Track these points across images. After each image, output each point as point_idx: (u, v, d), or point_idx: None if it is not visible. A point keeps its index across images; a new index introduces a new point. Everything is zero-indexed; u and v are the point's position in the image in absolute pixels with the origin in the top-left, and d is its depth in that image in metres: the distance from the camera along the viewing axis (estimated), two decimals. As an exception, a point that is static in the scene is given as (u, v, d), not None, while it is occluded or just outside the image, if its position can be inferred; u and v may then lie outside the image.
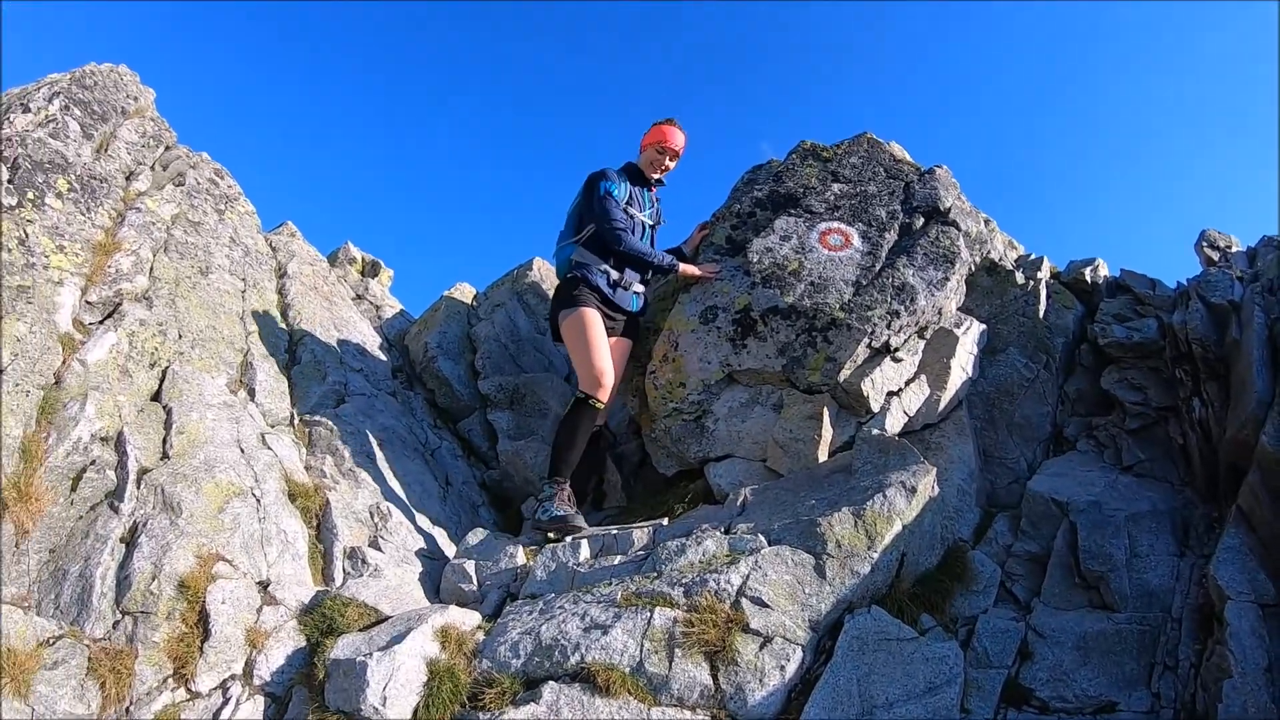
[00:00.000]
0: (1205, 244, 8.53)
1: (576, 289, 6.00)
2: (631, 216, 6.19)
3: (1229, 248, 8.43)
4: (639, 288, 6.31)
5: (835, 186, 6.99)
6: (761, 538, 4.70)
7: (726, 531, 4.92)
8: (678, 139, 6.39)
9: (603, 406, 5.79)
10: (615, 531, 5.26)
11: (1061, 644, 4.77)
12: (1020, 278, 7.28)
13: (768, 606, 4.21)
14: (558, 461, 5.70)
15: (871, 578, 4.49)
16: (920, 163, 7.37)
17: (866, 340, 5.77)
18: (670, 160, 6.42)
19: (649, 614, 4.18)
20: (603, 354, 5.79)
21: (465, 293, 9.45)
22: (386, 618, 4.39)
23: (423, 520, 5.78)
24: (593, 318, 5.88)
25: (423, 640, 4.09)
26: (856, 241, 6.43)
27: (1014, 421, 6.68)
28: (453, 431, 7.69)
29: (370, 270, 10.57)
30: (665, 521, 5.39)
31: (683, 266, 6.40)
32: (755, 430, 5.99)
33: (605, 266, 6.09)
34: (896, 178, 7.09)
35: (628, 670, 3.93)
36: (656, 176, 6.46)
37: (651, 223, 6.43)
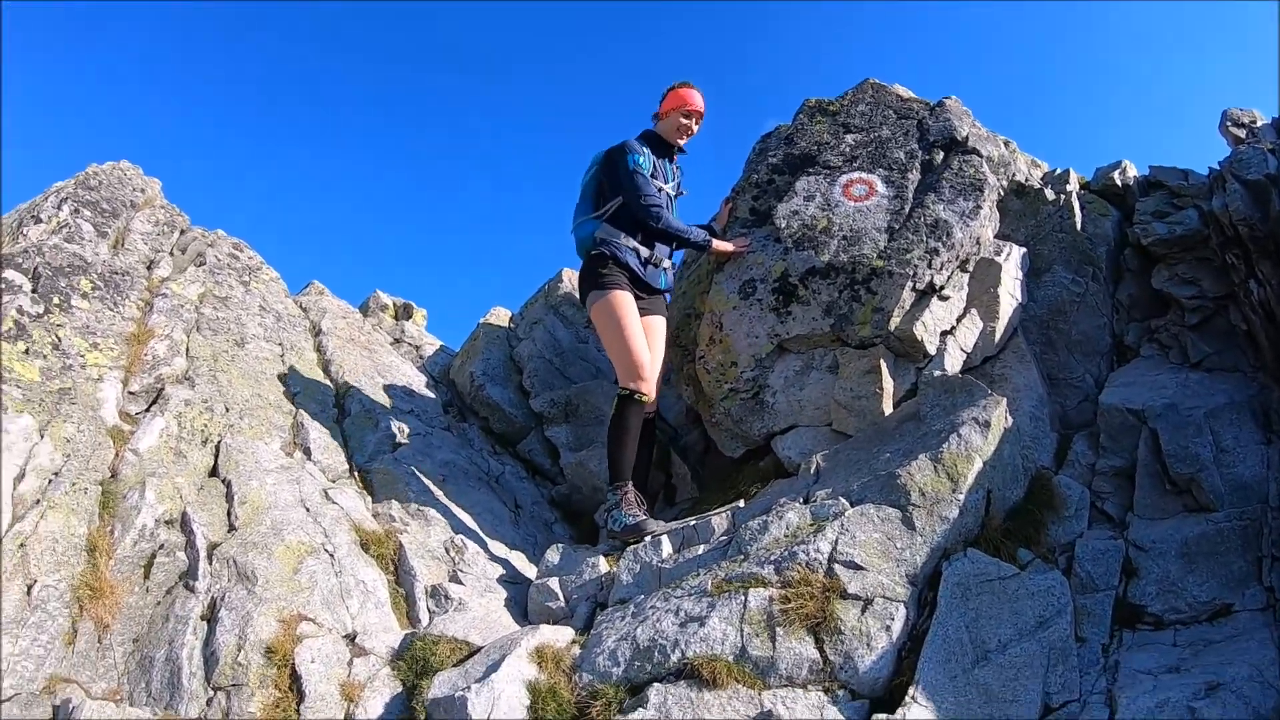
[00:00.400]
0: (1230, 123, 8.33)
1: (605, 267, 5.74)
2: (660, 190, 5.95)
3: (1254, 123, 8.24)
4: (668, 264, 6.13)
5: (848, 138, 6.87)
6: (843, 500, 4.60)
7: (806, 501, 4.82)
8: (698, 99, 6.14)
9: (649, 399, 5.55)
10: (694, 522, 5.16)
11: (1165, 554, 4.65)
12: (1050, 194, 7.14)
13: (862, 569, 4.11)
14: (615, 465, 5.53)
15: (962, 520, 4.38)
16: (929, 98, 7.24)
17: (910, 283, 5.66)
18: (695, 123, 6.19)
19: (743, 597, 4.09)
20: (639, 342, 5.55)
21: (501, 316, 9.44)
22: (479, 649, 4.31)
23: (498, 547, 5.72)
24: (625, 301, 5.64)
25: (519, 664, 4.01)
26: (881, 188, 6.32)
27: (1072, 339, 6.54)
28: (513, 455, 7.67)
29: (404, 313, 10.57)
30: (742, 504, 5.28)
31: (715, 243, 6.23)
32: (815, 396, 5.89)
33: (634, 243, 5.86)
34: (908, 117, 6.97)
35: (731, 658, 3.85)
36: (682, 142, 6.23)
37: (674, 194, 6.23)
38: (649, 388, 5.55)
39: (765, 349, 5.99)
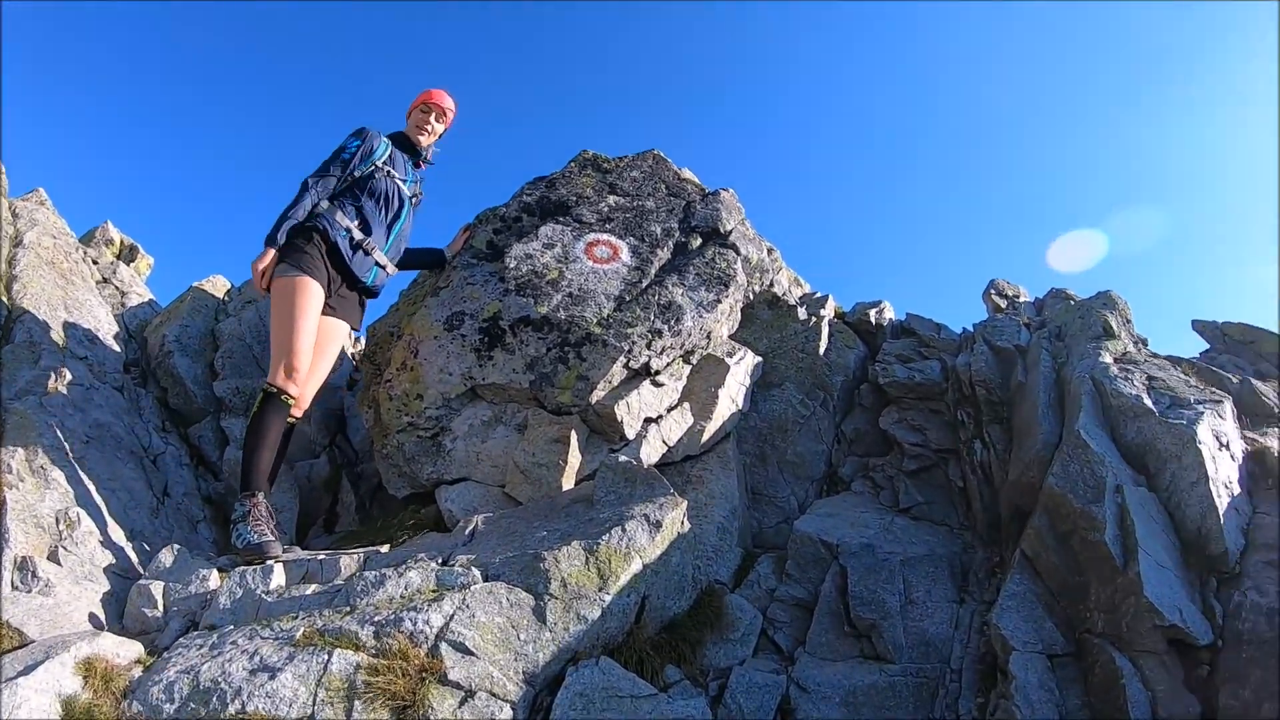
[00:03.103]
0: (994, 292, 8.64)
1: (309, 245, 5.12)
2: (390, 175, 5.49)
3: (1017, 297, 8.59)
4: (383, 259, 5.51)
5: (611, 198, 6.53)
6: (476, 571, 4.07)
7: (445, 563, 4.27)
8: (445, 98, 5.83)
9: (293, 402, 4.88)
10: (322, 557, 4.52)
11: (828, 699, 4.39)
12: (803, 313, 7.06)
13: (473, 654, 3.57)
14: (247, 471, 4.81)
15: (603, 623, 3.94)
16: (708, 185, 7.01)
17: (624, 359, 5.28)
18: (437, 120, 5.80)
19: (327, 656, 3.48)
20: (306, 340, 4.91)
21: (218, 286, 8.56)
22: (30, 642, 3.61)
23: (121, 533, 4.92)
24: (311, 292, 5.00)
25: (59, 674, 3.32)
26: (625, 255, 5.96)
27: (787, 459, 6.36)
28: (183, 437, 6.83)
29: (128, 255, 9.56)
30: (386, 549, 4.72)
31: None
32: (496, 452, 5.41)
33: (350, 224, 5.29)
34: (678, 195, 6.70)
35: (294, 725, 3.23)
36: (425, 141, 5.81)
37: (410, 194, 5.73)
38: (297, 390, 4.86)
39: (457, 390, 5.48)
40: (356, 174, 5.39)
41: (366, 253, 5.35)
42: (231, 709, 3.26)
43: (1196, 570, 4.52)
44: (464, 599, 3.82)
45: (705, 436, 5.79)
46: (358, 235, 5.28)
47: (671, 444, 5.64)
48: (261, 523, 4.64)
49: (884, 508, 6.16)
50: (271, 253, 5.04)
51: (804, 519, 5.79)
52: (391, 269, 5.62)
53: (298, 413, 5.02)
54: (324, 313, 5.17)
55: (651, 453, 5.48)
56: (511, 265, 5.80)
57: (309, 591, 4.20)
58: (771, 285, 7.16)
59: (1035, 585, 4.76)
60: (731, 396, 5.95)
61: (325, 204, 5.26)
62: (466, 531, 4.78)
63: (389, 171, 5.48)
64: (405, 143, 5.77)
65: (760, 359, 6.49)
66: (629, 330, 5.35)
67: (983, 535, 5.76)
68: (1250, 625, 4.07)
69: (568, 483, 5.22)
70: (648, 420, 5.55)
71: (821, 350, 6.89)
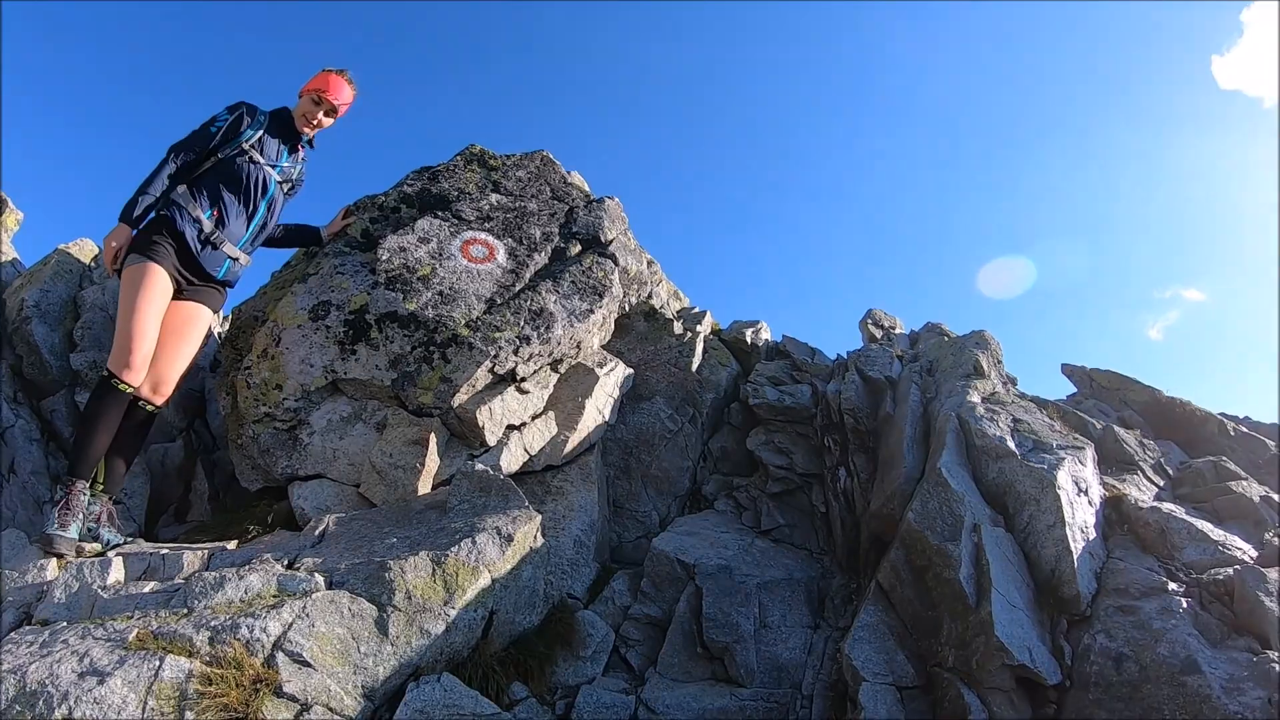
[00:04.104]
0: (870, 321, 8.76)
1: (159, 234, 4.85)
2: (254, 161, 5.16)
3: (893, 328, 8.72)
4: (235, 252, 5.19)
5: (493, 197, 6.43)
6: (319, 578, 3.95)
7: (290, 565, 4.14)
8: (343, 92, 5.42)
9: (130, 392, 4.65)
10: (165, 552, 4.34)
11: None
12: (679, 328, 7.07)
13: (310, 666, 3.47)
14: (75, 455, 4.62)
15: (448, 637, 3.87)
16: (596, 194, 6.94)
17: (489, 363, 5.20)
18: (325, 115, 5.41)
19: (159, 662, 3.33)
20: (146, 329, 4.66)
21: (85, 250, 8.16)
22: None
23: None
24: (156, 280, 4.75)
25: None
26: (501, 257, 5.88)
27: (651, 473, 6.36)
28: (34, 410, 6.52)
29: (-7, 210, 9.07)
30: (233, 545, 4.57)
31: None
32: (354, 450, 5.29)
33: (200, 214, 4.96)
34: (562, 200, 6.64)
35: (123, 735, 3.08)
36: (308, 133, 5.44)
37: (282, 179, 5.38)
38: (134, 378, 4.62)
39: (318, 382, 5.34)
40: (221, 155, 5.10)
41: (215, 246, 5.07)
42: (58, 714, 3.13)
43: (1048, 611, 4.63)
44: (304, 607, 3.71)
45: (569, 447, 5.74)
46: (208, 228, 4.99)
47: (534, 453, 5.58)
48: (70, 513, 4.45)
49: (745, 529, 6.19)
50: (125, 230, 4.82)
51: (663, 536, 5.78)
52: (245, 259, 5.31)
53: (159, 401, 4.81)
54: (182, 297, 4.97)
55: (512, 461, 5.42)
56: (384, 257, 5.67)
57: (147, 589, 4.04)
58: (650, 297, 7.14)
59: (889, 617, 4.82)
60: (599, 407, 5.92)
61: (182, 189, 4.99)
62: (317, 532, 4.66)
63: (253, 158, 5.18)
64: (287, 123, 5.44)
65: (632, 371, 6.48)
66: (497, 335, 5.28)
67: (842, 562, 5.83)
68: (1098, 668, 4.18)
69: (424, 486, 5.13)
70: (510, 427, 5.49)
71: (695, 366, 6.91)
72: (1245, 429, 8.34)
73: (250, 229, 5.23)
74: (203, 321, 5.14)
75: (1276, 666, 3.88)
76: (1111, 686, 4.08)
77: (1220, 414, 8.38)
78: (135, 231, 4.87)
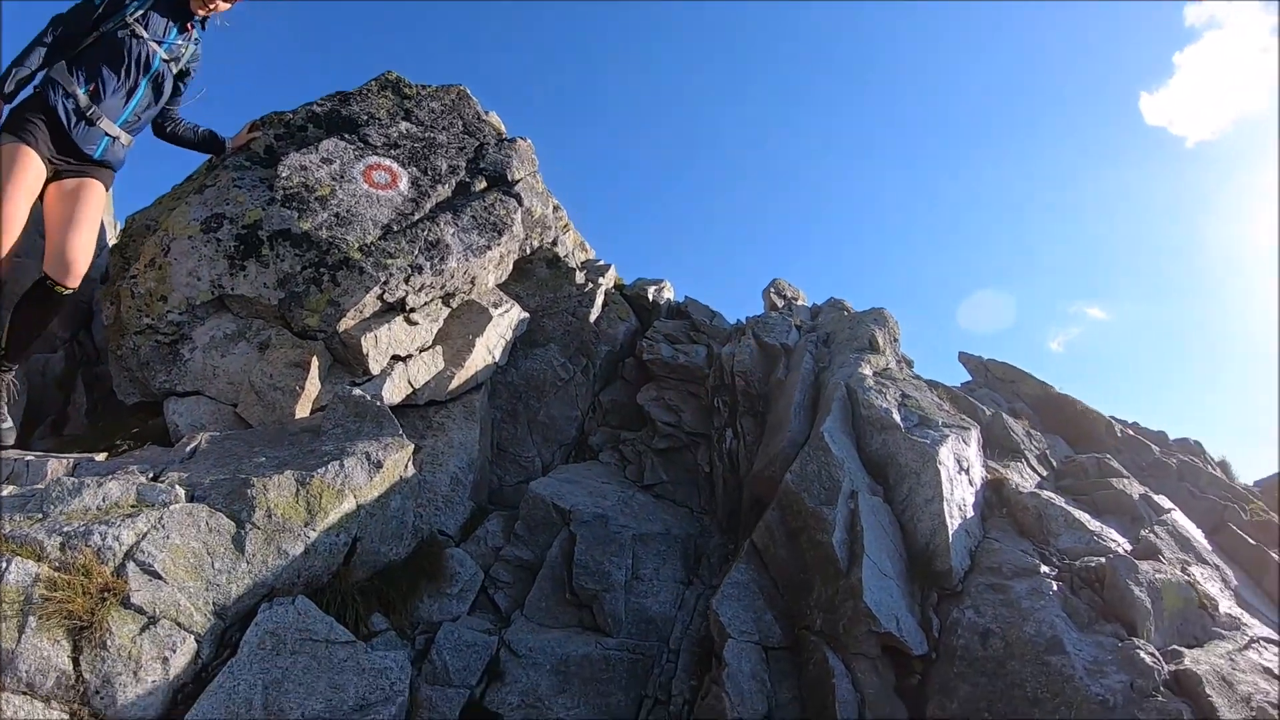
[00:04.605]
0: (774, 290, 8.85)
1: (30, 110, 4.61)
2: (136, 35, 4.83)
3: (795, 299, 8.83)
4: (114, 130, 4.87)
5: (403, 125, 6.33)
6: (180, 490, 3.85)
7: (155, 479, 4.02)
8: None
9: None
10: (30, 459, 4.23)
11: (539, 666, 4.34)
12: (581, 278, 7.07)
13: (160, 578, 3.38)
14: None
15: (306, 560, 3.82)
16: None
17: (379, 290, 5.16)
18: None
19: (5, 564, 3.20)
20: (13, 212, 4.40)
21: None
22: None
23: None
24: (21, 157, 4.49)
25: None
26: (403, 185, 5.80)
27: (538, 419, 6.36)
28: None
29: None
30: (101, 457, 4.47)
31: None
32: (234, 369, 5.19)
33: (75, 89, 4.67)
34: (473, 135, 6.56)
35: (-35, 634, 2.97)
36: (201, 14, 5.11)
37: (169, 57, 5.05)
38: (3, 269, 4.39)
39: (204, 296, 5.20)
40: (103, 29, 4.78)
41: (91, 123, 4.78)
42: (-103, 613, 2.99)
43: (920, 584, 4.73)
44: (161, 518, 3.61)
45: (455, 383, 5.72)
46: (83, 102, 4.70)
47: (418, 386, 5.55)
48: None
49: (627, 482, 6.22)
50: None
51: (541, 481, 5.78)
52: (127, 139, 5.01)
53: (71, 281, 4.53)
54: (65, 176, 4.72)
55: (395, 392, 5.38)
56: (284, 174, 5.56)
57: (5, 493, 3.89)
58: (555, 244, 7.12)
59: (761, 577, 4.87)
60: (489, 347, 5.90)
61: (60, 65, 4.71)
62: (188, 449, 4.55)
63: (136, 31, 4.86)
64: (180, 4, 5.09)
65: (528, 315, 6.47)
66: (389, 261, 5.22)
67: (722, 522, 5.88)
68: (964, 642, 4.29)
69: (303, 410, 5.07)
70: (396, 358, 5.45)
71: (593, 317, 6.93)
72: (1133, 433, 8.60)
73: (131, 105, 4.93)
74: (92, 192, 4.83)
75: (1140, 653, 4.02)
76: (976, 661, 4.18)
77: (1111, 416, 8.61)
78: (9, 107, 4.60)
